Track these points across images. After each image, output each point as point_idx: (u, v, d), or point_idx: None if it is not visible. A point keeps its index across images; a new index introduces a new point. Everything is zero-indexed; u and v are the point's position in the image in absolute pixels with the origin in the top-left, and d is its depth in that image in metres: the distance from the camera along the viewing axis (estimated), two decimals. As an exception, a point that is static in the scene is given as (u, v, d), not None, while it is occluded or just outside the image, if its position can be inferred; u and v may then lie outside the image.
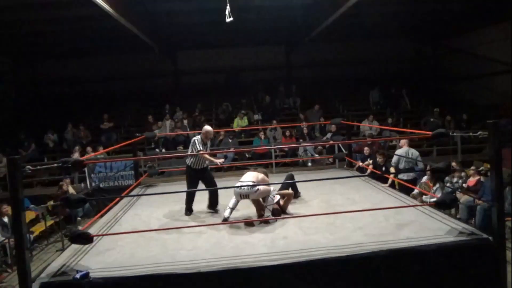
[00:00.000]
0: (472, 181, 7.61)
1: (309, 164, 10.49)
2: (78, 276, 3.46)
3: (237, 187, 4.75)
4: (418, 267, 3.70)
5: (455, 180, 7.87)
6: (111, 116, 13.29)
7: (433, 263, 3.69)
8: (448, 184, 7.74)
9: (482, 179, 7.49)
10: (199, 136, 5.47)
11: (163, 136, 11.78)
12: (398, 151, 8.11)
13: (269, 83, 15.11)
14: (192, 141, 5.49)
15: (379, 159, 7.81)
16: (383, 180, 6.96)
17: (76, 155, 10.22)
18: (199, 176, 5.49)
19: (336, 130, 11.35)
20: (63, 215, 8.40)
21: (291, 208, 5.25)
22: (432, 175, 7.33)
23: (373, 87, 14.43)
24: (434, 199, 5.52)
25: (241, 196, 4.78)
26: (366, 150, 8.56)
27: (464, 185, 7.72)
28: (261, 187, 4.70)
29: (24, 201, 3.62)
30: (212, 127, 5.68)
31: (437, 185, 7.52)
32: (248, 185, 4.69)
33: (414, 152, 7.78)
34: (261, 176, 4.90)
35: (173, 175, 9.72)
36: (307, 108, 13.45)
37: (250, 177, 4.85)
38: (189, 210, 5.42)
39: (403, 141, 8.05)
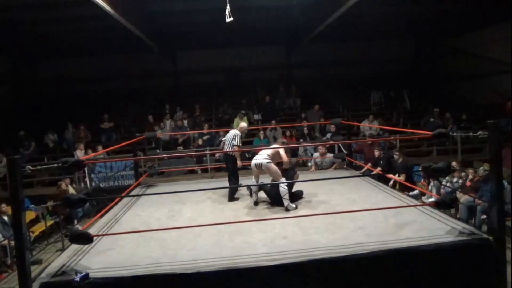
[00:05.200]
0: (475, 177, 7.64)
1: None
2: (78, 278, 3.43)
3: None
4: (418, 267, 3.69)
5: (455, 180, 7.87)
6: (111, 116, 13.30)
7: (433, 263, 3.69)
8: (448, 184, 7.74)
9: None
10: (238, 132, 6.12)
11: (162, 139, 11.80)
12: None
13: (269, 83, 15.10)
14: (233, 136, 6.08)
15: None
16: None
17: (79, 152, 10.24)
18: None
19: (336, 130, 11.35)
20: (63, 215, 8.41)
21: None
22: (425, 174, 7.34)
23: (374, 88, 14.40)
24: (434, 199, 5.52)
25: (256, 166, 5.44)
26: (377, 152, 8.52)
27: (467, 181, 7.72)
28: (271, 165, 5.36)
29: (24, 201, 3.62)
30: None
31: (432, 184, 7.54)
32: (261, 162, 5.38)
33: None
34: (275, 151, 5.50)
35: (173, 175, 9.73)
36: (307, 108, 13.44)
37: (264, 154, 5.45)
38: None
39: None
